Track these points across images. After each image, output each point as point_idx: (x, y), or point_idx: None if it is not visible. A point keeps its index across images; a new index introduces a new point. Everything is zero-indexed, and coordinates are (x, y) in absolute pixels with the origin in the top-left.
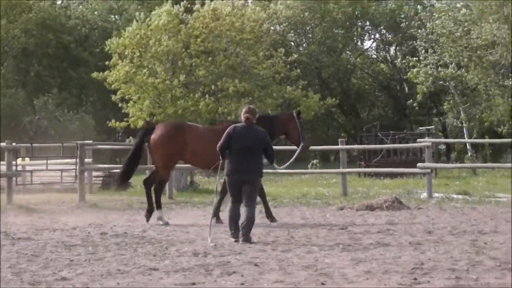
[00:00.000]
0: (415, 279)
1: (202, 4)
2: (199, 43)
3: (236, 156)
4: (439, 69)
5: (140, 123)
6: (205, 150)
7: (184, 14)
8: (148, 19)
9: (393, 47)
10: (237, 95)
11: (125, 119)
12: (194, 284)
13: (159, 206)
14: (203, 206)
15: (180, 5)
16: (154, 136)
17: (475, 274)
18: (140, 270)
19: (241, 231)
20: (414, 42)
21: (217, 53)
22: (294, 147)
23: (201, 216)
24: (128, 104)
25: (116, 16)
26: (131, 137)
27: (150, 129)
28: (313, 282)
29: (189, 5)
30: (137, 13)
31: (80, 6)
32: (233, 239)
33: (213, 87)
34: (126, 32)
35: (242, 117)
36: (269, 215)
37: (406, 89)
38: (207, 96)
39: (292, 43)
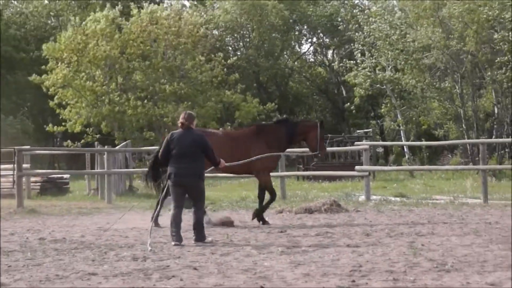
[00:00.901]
0: (353, 281)
1: (140, 8)
2: (136, 47)
3: (175, 162)
4: (377, 72)
5: (78, 127)
6: (223, 155)
7: (120, 18)
8: (84, 23)
9: (331, 51)
10: (175, 98)
11: (63, 123)
12: None
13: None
14: (142, 211)
15: (116, 9)
16: None
17: (412, 276)
18: (78, 275)
19: (194, 235)
20: (352, 45)
21: (155, 56)
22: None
23: (141, 220)
24: (66, 110)
25: (53, 19)
26: (69, 141)
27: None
28: (252, 285)
29: (124, 9)
30: (72, 18)
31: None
32: (173, 243)
33: (150, 89)
34: (62, 37)
35: (179, 123)
36: (260, 216)
37: (344, 92)
38: (145, 100)
39: (230, 48)
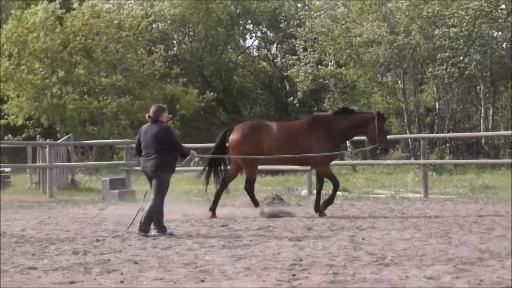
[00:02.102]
0: (294, 275)
1: (81, 1)
2: (78, 41)
3: (144, 154)
4: (319, 67)
5: (20, 121)
6: (279, 147)
7: (60, 11)
8: (24, 16)
9: (274, 46)
10: (115, 90)
11: (5, 116)
12: (73, 282)
13: (256, 204)
14: (84, 204)
15: (56, 1)
16: (231, 137)
17: (352, 270)
18: (18, 269)
19: (140, 223)
20: (294, 40)
21: (96, 50)
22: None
23: (82, 214)
24: (7, 104)
25: None
26: (9, 135)
27: (230, 129)
28: (192, 279)
29: (64, 2)
30: (12, 11)
31: None
32: (155, 233)
33: (91, 82)
34: (3, 30)
35: (147, 116)
36: (317, 208)
37: (287, 86)
38: (85, 94)
39: (175, 41)
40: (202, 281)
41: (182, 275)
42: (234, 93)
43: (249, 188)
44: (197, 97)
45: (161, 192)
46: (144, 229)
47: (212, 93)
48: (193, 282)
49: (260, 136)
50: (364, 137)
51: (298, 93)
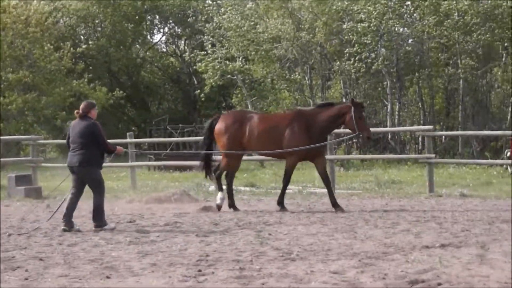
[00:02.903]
0: (200, 270)
1: None
2: None
3: (71, 149)
4: (227, 63)
5: None
6: (260, 137)
7: None
8: None
9: (183, 41)
10: (21, 86)
11: None
12: None
13: (229, 193)
14: None
15: None
16: (216, 127)
17: (258, 265)
18: None
19: (93, 221)
20: (202, 36)
21: (3, 45)
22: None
23: None
24: None
25: None
26: None
27: (216, 118)
28: (98, 275)
29: None
30: None
31: None
32: (62, 227)
33: None
34: None
35: (75, 112)
36: (334, 204)
37: (196, 82)
38: None
39: (82, 37)
40: (108, 277)
41: (87, 272)
42: (142, 89)
43: (229, 177)
44: (106, 94)
45: (97, 188)
46: (99, 224)
47: (121, 92)
48: (99, 279)
49: (241, 126)
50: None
51: (206, 87)
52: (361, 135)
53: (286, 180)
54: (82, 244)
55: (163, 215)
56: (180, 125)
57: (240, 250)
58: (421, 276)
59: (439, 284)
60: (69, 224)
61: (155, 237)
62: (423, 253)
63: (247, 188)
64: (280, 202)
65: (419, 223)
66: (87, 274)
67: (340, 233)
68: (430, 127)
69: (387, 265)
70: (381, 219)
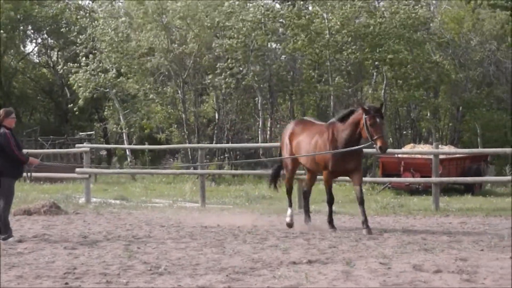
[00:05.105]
0: (67, 283)
1: None
2: None
3: None
4: (99, 75)
5: None
6: (301, 146)
7: None
8: None
9: (55, 52)
10: None
11: None
12: None
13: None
14: None
15: None
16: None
17: (125, 278)
18: None
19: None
20: (76, 47)
21: None
22: None
23: None
24: None
25: None
26: None
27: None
28: None
29: None
30: None
31: None
32: None
33: None
34: None
35: None
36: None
37: (68, 94)
38: None
39: None
40: None
41: None
42: (14, 99)
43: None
44: None
45: (7, 197)
46: (6, 237)
47: None
48: None
49: (290, 135)
50: None
51: (80, 101)
52: (374, 145)
53: (327, 198)
54: None
55: (31, 227)
56: (51, 136)
57: (108, 264)
58: None
59: None
60: (9, 232)
61: (23, 249)
62: (290, 269)
63: (118, 201)
64: (329, 221)
65: (288, 239)
66: None
67: (209, 248)
68: None
69: (254, 281)
70: (250, 234)
